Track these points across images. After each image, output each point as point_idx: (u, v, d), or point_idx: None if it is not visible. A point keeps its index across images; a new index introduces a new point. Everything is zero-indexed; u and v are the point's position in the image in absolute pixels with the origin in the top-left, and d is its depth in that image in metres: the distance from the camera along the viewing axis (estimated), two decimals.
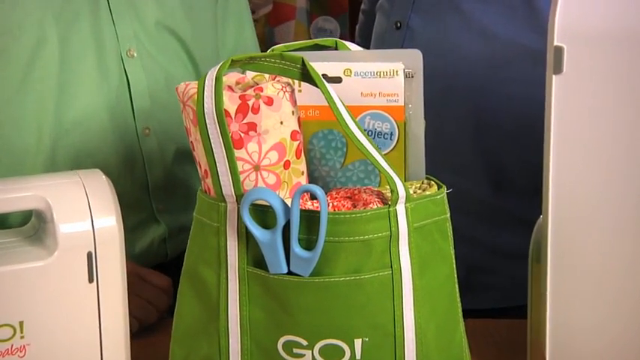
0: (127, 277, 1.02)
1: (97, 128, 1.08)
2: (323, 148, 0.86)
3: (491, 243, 1.17)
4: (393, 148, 0.85)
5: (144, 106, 1.11)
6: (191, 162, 1.16)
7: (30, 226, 0.83)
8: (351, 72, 0.84)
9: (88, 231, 0.79)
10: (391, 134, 0.85)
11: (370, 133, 0.85)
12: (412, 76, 0.84)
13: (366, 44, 1.29)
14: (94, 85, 1.08)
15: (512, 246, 1.12)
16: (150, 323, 1.02)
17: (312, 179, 0.87)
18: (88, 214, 0.79)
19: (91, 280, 0.79)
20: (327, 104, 0.76)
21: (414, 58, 0.84)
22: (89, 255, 0.78)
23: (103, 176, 0.83)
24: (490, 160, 1.14)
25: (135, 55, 1.10)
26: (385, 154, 0.85)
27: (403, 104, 0.84)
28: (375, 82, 0.84)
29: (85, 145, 1.08)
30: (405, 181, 0.86)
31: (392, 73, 0.84)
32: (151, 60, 1.12)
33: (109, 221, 0.79)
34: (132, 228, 1.14)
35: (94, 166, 1.07)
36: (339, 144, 0.86)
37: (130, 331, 0.81)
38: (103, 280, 0.79)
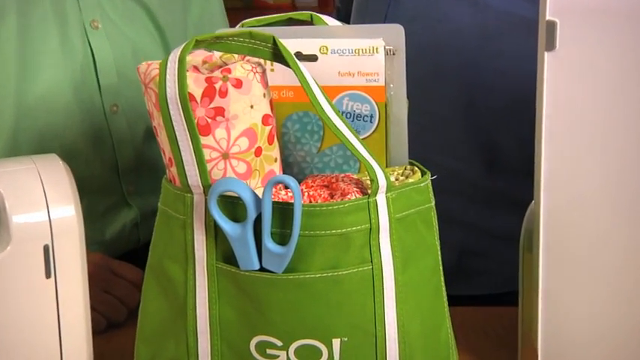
0: (97, 271, 1.01)
1: (61, 107, 1.05)
2: (298, 131, 0.84)
3: (484, 226, 1.16)
4: (374, 132, 0.83)
5: (111, 82, 1.08)
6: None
7: None
8: (327, 49, 0.82)
9: (44, 222, 0.76)
10: (371, 116, 0.82)
11: (348, 115, 0.82)
12: (393, 54, 0.81)
13: (347, 9, 1.26)
14: (56, 59, 1.04)
15: (506, 228, 1.10)
16: (119, 322, 0.99)
17: (286, 165, 0.84)
18: (43, 204, 0.76)
19: (48, 276, 0.76)
20: (299, 84, 0.73)
21: (396, 33, 0.81)
22: (46, 248, 0.76)
23: (60, 162, 0.80)
24: (482, 139, 1.13)
25: (99, 26, 1.07)
26: (365, 138, 0.82)
27: (384, 84, 0.82)
28: (354, 60, 0.81)
29: (50, 127, 1.05)
30: (386, 167, 0.83)
31: (372, 51, 0.81)
32: (117, 31, 1.09)
33: (67, 211, 0.77)
34: (102, 213, 1.11)
35: (60, 148, 1.06)
36: (315, 127, 0.83)
37: (97, 330, 0.79)
38: (62, 275, 0.77)
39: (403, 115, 0.83)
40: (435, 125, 1.11)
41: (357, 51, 0.81)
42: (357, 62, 0.81)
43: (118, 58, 1.08)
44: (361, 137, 0.82)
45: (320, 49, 0.81)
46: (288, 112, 0.83)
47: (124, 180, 1.12)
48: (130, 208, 1.13)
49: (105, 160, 1.10)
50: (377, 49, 0.81)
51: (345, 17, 1.28)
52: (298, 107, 0.83)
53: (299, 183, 0.73)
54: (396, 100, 0.82)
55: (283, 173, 0.81)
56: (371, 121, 0.83)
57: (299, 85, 0.73)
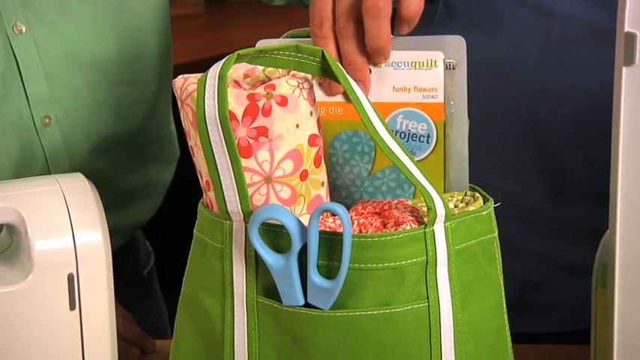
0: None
1: None
2: (347, 152, 0.84)
3: (549, 256, 1.16)
4: (431, 153, 0.83)
5: (40, 91, 1.07)
6: (110, 151, 1.15)
7: (0, 241, 0.82)
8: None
9: (69, 248, 0.77)
10: (428, 136, 0.83)
11: (403, 135, 0.83)
12: (454, 68, 0.82)
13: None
14: None
15: (573, 259, 1.11)
16: None
17: (333, 188, 0.85)
18: (68, 228, 0.78)
19: (72, 307, 0.77)
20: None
21: (457, 45, 0.82)
22: (70, 277, 0.77)
23: (86, 182, 0.82)
24: (546, 160, 1.12)
25: (23, 30, 1.05)
26: (421, 161, 0.83)
27: (443, 101, 0.82)
28: (410, 75, 0.82)
29: None
30: (444, 192, 0.83)
31: (430, 64, 0.82)
32: (48, 31, 1.07)
33: (93, 236, 0.78)
34: None
35: None
36: (366, 148, 0.84)
37: None
38: (87, 306, 0.78)
39: (464, 136, 0.83)
40: (493, 145, 1.12)
41: (413, 64, 0.82)
42: (413, 76, 0.82)
43: (48, 63, 1.07)
44: (417, 159, 0.83)
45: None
46: (337, 130, 0.84)
47: None
48: None
49: None
50: (435, 62, 0.81)
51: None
52: (347, 125, 0.84)
53: (347, 209, 0.74)
54: (456, 118, 0.83)
55: (330, 198, 0.81)
56: (427, 142, 0.83)
57: (348, 101, 0.74)
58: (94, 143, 1.13)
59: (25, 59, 1.06)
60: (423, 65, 0.82)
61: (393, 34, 0.82)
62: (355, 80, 0.76)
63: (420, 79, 0.82)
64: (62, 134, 1.10)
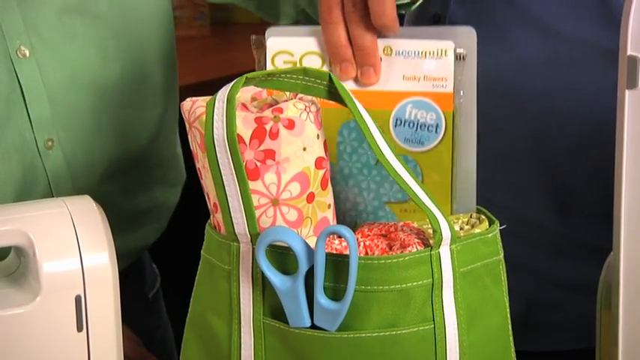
0: None
1: None
2: (355, 140, 0.85)
3: (555, 274, 1.16)
4: (439, 143, 0.83)
5: (43, 114, 1.08)
6: (114, 175, 1.15)
7: (8, 263, 0.83)
8: (391, 50, 0.83)
9: (77, 270, 0.78)
10: (437, 126, 0.83)
11: (412, 124, 0.83)
12: (464, 58, 0.82)
13: None
14: None
15: (580, 278, 1.10)
16: None
17: (341, 177, 0.85)
18: (76, 250, 0.78)
19: (79, 329, 0.78)
20: (360, 88, 0.75)
21: (467, 36, 0.82)
22: (77, 299, 0.78)
23: (94, 204, 0.82)
24: (552, 179, 1.13)
25: (27, 54, 1.06)
26: (429, 151, 0.83)
27: (452, 91, 0.83)
28: (420, 64, 0.82)
29: None
30: (452, 212, 0.84)
31: (440, 53, 0.82)
32: (52, 54, 1.08)
33: (100, 258, 0.79)
34: None
35: None
36: None
37: None
38: (94, 328, 0.79)
39: (472, 128, 0.83)
40: (499, 164, 1.12)
41: (423, 53, 0.82)
42: (423, 65, 0.82)
43: (52, 87, 1.08)
44: (425, 149, 0.83)
45: (384, 50, 0.83)
46: (345, 118, 0.84)
47: None
48: None
49: None
50: (446, 51, 0.82)
51: None
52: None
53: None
54: (465, 109, 0.83)
55: (337, 187, 0.82)
56: (436, 132, 0.83)
57: (357, 88, 0.75)
58: (98, 166, 1.13)
59: (29, 83, 1.06)
60: (433, 54, 0.82)
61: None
62: (365, 65, 0.76)
63: (429, 68, 0.82)
64: (65, 157, 1.10)
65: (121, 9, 1.12)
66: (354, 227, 0.84)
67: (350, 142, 0.85)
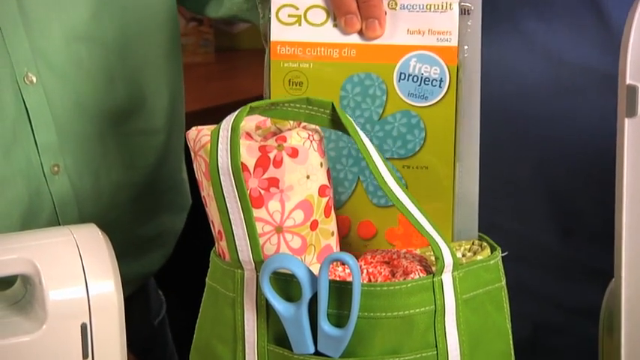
0: None
1: None
2: (358, 95, 0.84)
3: (559, 298, 1.16)
4: (443, 97, 0.84)
5: (49, 140, 1.09)
6: (119, 200, 1.15)
7: (15, 291, 0.84)
8: (396, 4, 0.84)
9: (82, 298, 0.79)
10: (441, 80, 0.83)
11: (416, 78, 0.83)
12: (468, 13, 0.82)
13: None
14: None
15: (584, 302, 1.09)
16: None
17: (342, 134, 0.84)
18: (82, 279, 0.79)
19: (85, 357, 0.79)
20: (365, 42, 0.75)
21: None
22: (83, 327, 0.79)
23: (99, 232, 0.83)
24: (557, 203, 1.13)
25: (34, 80, 1.07)
26: (432, 105, 0.84)
27: (457, 44, 0.83)
28: (424, 17, 0.83)
29: None
30: (452, 240, 0.85)
31: (445, 7, 0.82)
32: (59, 81, 1.09)
33: (106, 286, 0.80)
34: None
35: None
36: (378, 91, 0.84)
37: None
38: (100, 356, 0.79)
39: (475, 83, 0.83)
40: (503, 188, 1.12)
41: (428, 6, 0.82)
42: (427, 19, 0.83)
43: (59, 112, 1.09)
44: (428, 103, 0.83)
45: (388, 4, 0.83)
46: (349, 73, 0.84)
47: None
48: None
49: (44, 227, 1.09)
50: (450, 5, 0.82)
51: None
52: (360, 68, 0.84)
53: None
54: (469, 64, 0.83)
55: (340, 142, 0.82)
56: (440, 86, 0.83)
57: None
58: (104, 192, 1.14)
59: (36, 109, 1.08)
60: (437, 8, 0.83)
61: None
62: (370, 17, 0.77)
63: (434, 21, 0.83)
64: (71, 182, 1.11)
65: (127, 35, 1.14)
66: (355, 186, 0.85)
67: (353, 96, 0.85)
